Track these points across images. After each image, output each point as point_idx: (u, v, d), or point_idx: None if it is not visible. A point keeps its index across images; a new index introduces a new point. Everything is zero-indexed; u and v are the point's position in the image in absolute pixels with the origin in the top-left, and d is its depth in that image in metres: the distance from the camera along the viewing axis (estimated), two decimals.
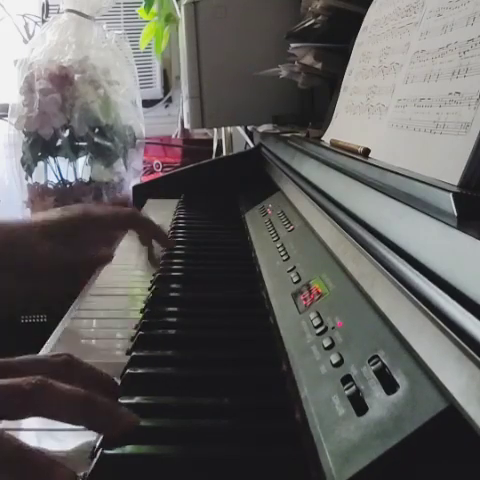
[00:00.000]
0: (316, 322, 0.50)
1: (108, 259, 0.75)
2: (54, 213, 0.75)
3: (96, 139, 1.64)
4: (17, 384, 0.40)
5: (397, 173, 0.52)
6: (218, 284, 0.74)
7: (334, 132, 0.87)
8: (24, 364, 0.44)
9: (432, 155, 0.52)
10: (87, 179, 1.71)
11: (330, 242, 0.60)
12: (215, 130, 2.04)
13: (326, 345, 0.46)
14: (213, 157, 1.97)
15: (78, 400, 0.41)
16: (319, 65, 1.07)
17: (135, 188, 1.43)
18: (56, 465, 0.37)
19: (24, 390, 0.39)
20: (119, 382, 0.48)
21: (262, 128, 1.47)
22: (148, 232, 0.78)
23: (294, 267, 0.65)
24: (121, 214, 0.77)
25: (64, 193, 1.68)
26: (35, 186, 1.69)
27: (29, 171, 1.67)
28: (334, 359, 0.43)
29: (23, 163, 1.66)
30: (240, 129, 1.83)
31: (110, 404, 0.42)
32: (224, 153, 1.90)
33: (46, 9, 2.17)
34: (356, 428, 0.36)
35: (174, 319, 0.63)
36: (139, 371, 0.50)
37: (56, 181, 1.70)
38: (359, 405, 0.37)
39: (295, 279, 0.62)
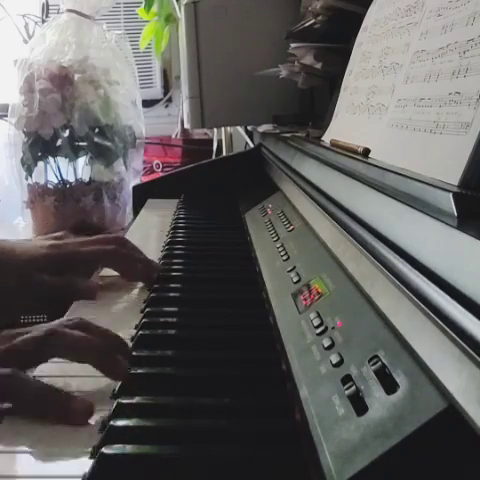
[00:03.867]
0: (316, 322, 0.50)
1: (92, 294, 0.72)
2: (45, 246, 0.74)
3: (96, 139, 1.64)
4: (30, 335, 0.48)
5: (397, 173, 0.52)
6: (218, 284, 0.74)
7: (334, 132, 0.87)
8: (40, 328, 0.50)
9: (432, 155, 0.52)
10: (87, 179, 1.71)
11: (330, 242, 0.60)
12: (215, 130, 2.04)
13: (326, 345, 0.46)
14: (213, 157, 1.97)
15: (87, 341, 0.48)
16: (319, 65, 1.07)
17: (135, 188, 1.43)
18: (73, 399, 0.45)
19: (37, 337, 0.48)
20: (119, 382, 0.48)
21: (262, 128, 1.47)
22: (132, 268, 0.76)
23: (294, 267, 0.65)
24: (107, 252, 0.75)
25: (64, 193, 1.68)
26: (35, 186, 1.69)
27: (29, 171, 1.67)
28: (334, 359, 0.43)
29: (23, 163, 1.66)
30: (240, 129, 1.82)
31: (118, 345, 0.51)
32: (224, 153, 1.90)
33: (46, 9, 2.17)
34: (356, 428, 0.36)
35: (174, 319, 0.63)
36: (139, 371, 0.50)
37: (56, 181, 1.70)
38: (359, 405, 0.37)
39: (295, 279, 0.62)
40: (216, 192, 1.30)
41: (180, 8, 1.65)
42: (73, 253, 0.74)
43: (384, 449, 0.32)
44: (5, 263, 0.69)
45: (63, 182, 1.70)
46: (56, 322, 0.53)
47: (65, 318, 0.54)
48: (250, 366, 0.52)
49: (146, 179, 1.86)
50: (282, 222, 0.83)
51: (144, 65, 2.44)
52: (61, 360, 0.50)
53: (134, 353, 0.53)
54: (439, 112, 0.53)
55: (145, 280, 0.75)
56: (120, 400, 0.45)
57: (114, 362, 0.49)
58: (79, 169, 1.71)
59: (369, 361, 0.39)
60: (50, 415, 0.45)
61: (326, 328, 0.48)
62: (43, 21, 2.09)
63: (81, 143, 1.64)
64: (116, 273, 0.78)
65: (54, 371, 0.51)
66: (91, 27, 1.69)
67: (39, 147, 1.64)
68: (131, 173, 1.74)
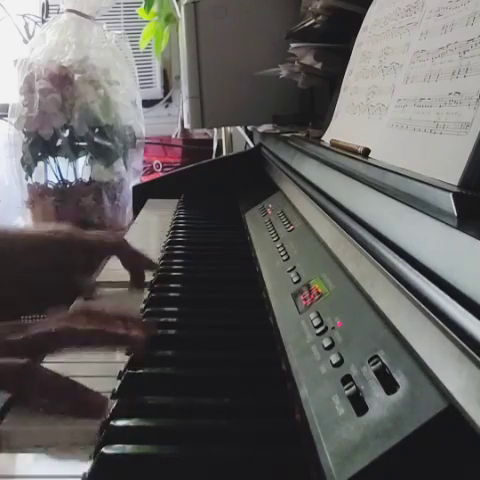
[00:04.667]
0: (316, 322, 0.50)
1: (90, 292, 0.73)
2: (42, 229, 0.75)
3: (96, 139, 1.64)
4: (44, 329, 0.50)
5: (397, 173, 0.52)
6: (218, 284, 0.74)
7: (334, 132, 0.87)
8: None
9: (432, 155, 0.52)
10: (87, 179, 1.71)
11: (330, 242, 0.60)
12: (215, 130, 2.04)
13: (326, 345, 0.46)
14: (213, 157, 1.97)
15: (99, 334, 0.51)
16: (319, 65, 1.07)
17: (135, 188, 1.43)
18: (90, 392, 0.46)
19: (51, 331, 0.49)
20: (119, 382, 0.48)
21: (262, 128, 1.47)
22: (132, 262, 0.77)
23: (294, 267, 0.65)
24: (107, 241, 0.76)
25: (64, 193, 1.68)
26: (35, 186, 1.69)
27: (29, 171, 1.67)
28: (334, 359, 0.43)
29: (23, 163, 1.66)
30: (240, 129, 1.83)
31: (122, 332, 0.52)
32: (224, 153, 1.90)
33: (46, 9, 2.17)
34: (356, 428, 0.36)
35: (174, 319, 0.63)
36: (139, 371, 0.50)
37: (56, 181, 1.71)
38: (359, 405, 0.37)
39: (295, 279, 0.62)
40: (216, 192, 1.30)
41: (180, 8, 1.65)
42: (76, 238, 0.74)
43: (384, 449, 0.32)
44: (8, 243, 0.70)
45: (63, 182, 1.70)
46: (66, 314, 0.55)
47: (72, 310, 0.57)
48: (250, 366, 0.52)
49: (146, 179, 1.86)
50: (282, 222, 0.83)
51: (144, 65, 2.44)
52: (65, 360, 0.50)
53: (134, 354, 0.53)
54: (439, 112, 0.53)
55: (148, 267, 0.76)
56: (120, 400, 0.45)
57: (130, 342, 0.52)
58: (79, 169, 1.71)
59: (369, 361, 0.39)
60: (65, 407, 0.46)
61: (326, 328, 0.48)
62: (43, 21, 2.10)
63: (81, 143, 1.65)
64: (114, 275, 0.77)
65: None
66: (91, 27, 1.69)
67: (39, 147, 1.64)
68: (131, 173, 1.75)
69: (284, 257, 0.71)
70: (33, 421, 0.45)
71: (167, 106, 2.55)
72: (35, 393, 0.46)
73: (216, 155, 2.01)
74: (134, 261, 0.76)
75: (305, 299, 0.56)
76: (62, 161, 1.69)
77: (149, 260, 0.78)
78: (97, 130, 1.64)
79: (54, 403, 0.46)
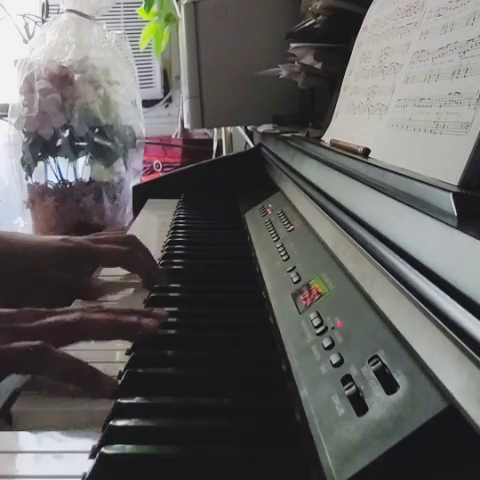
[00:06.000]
0: (316, 322, 0.50)
1: (94, 294, 0.73)
2: (56, 242, 0.75)
3: (96, 139, 1.64)
4: (61, 318, 0.52)
5: (397, 173, 0.52)
6: (218, 284, 0.74)
7: (334, 132, 0.87)
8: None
9: (432, 155, 0.52)
10: (87, 179, 1.71)
11: (330, 242, 0.60)
12: (215, 130, 2.04)
13: (326, 345, 0.46)
14: (213, 157, 1.97)
15: (110, 322, 0.53)
16: (319, 65, 1.07)
17: (135, 188, 1.43)
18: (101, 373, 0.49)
19: (68, 322, 0.52)
20: (119, 382, 0.48)
21: (262, 128, 1.47)
22: (142, 270, 0.77)
23: (294, 267, 0.65)
24: (116, 256, 0.76)
25: (64, 193, 1.68)
26: (35, 186, 1.69)
27: (29, 171, 1.67)
28: (334, 359, 0.43)
29: (23, 163, 1.66)
30: (240, 129, 1.83)
31: (134, 320, 0.55)
32: (224, 153, 1.90)
33: (46, 9, 2.17)
34: (356, 428, 0.36)
35: (174, 319, 0.63)
36: (139, 371, 0.50)
37: (56, 181, 1.70)
38: (359, 405, 0.37)
39: (295, 279, 0.62)
40: (216, 192, 1.30)
41: (180, 8, 1.65)
42: (86, 249, 0.74)
43: (384, 449, 0.32)
44: (20, 255, 0.70)
45: (63, 182, 1.70)
46: (81, 308, 0.57)
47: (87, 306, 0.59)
48: (250, 366, 0.52)
49: (146, 179, 1.86)
50: (282, 222, 0.83)
51: (144, 65, 2.44)
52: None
53: (134, 353, 0.53)
54: (439, 112, 0.53)
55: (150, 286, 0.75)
56: (120, 400, 0.45)
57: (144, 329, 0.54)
58: (79, 169, 1.71)
59: (369, 361, 0.39)
60: (78, 386, 0.48)
61: (326, 328, 0.48)
62: (43, 21, 2.09)
63: (81, 143, 1.64)
64: (115, 274, 0.78)
65: None
66: (91, 27, 1.69)
67: (39, 147, 1.64)
68: (131, 173, 1.75)
69: (284, 257, 0.71)
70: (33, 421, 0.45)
71: (167, 106, 2.55)
72: (49, 373, 0.48)
73: (216, 155, 2.01)
74: (144, 275, 0.76)
75: (305, 299, 0.56)
76: (62, 161, 1.69)
77: (158, 272, 0.77)
78: (97, 130, 1.64)
79: (67, 381, 0.48)
